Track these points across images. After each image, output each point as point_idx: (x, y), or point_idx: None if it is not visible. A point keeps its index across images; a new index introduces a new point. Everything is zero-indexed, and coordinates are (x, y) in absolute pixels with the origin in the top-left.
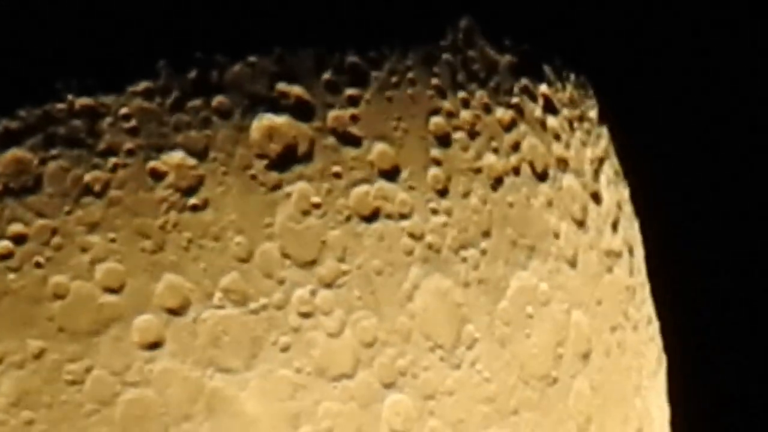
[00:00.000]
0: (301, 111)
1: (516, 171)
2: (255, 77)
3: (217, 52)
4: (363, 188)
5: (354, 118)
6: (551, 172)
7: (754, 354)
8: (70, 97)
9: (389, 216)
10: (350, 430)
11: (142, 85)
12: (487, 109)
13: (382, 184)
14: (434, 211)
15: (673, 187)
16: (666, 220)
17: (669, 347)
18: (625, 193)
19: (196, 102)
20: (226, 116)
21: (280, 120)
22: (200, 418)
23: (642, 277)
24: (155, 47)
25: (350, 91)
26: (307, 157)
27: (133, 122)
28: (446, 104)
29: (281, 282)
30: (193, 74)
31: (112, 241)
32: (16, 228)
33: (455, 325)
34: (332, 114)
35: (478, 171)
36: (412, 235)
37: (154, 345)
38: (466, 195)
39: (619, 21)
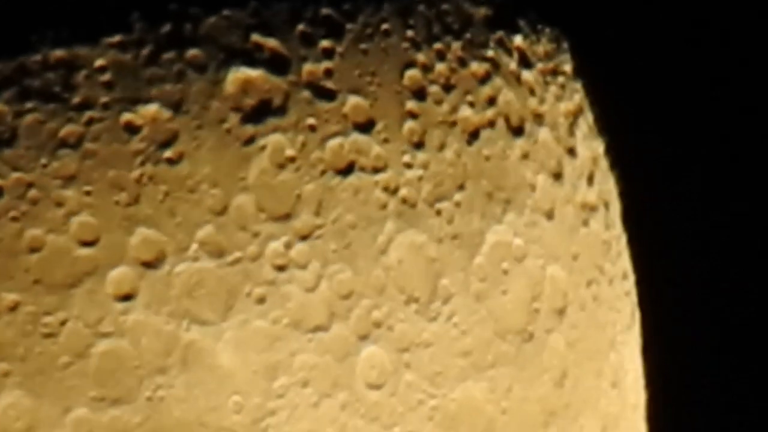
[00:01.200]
0: (276, 64)
1: (492, 124)
2: (230, 30)
3: (191, 4)
4: (337, 141)
5: (328, 72)
6: (527, 126)
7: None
8: (44, 49)
9: (364, 169)
10: (326, 382)
11: (117, 38)
12: (462, 62)
13: (356, 137)
14: (409, 165)
15: (649, 143)
16: (641, 177)
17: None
18: (600, 147)
19: (171, 55)
20: (201, 69)
21: (254, 73)
22: (175, 371)
23: (617, 231)
24: None
25: (325, 44)
26: (282, 111)
27: (108, 75)
28: (421, 57)
29: (256, 235)
30: (167, 27)
31: (87, 194)
32: None
33: (430, 279)
34: (307, 67)
35: (454, 124)
36: (386, 189)
37: (129, 297)
38: (441, 148)
39: None
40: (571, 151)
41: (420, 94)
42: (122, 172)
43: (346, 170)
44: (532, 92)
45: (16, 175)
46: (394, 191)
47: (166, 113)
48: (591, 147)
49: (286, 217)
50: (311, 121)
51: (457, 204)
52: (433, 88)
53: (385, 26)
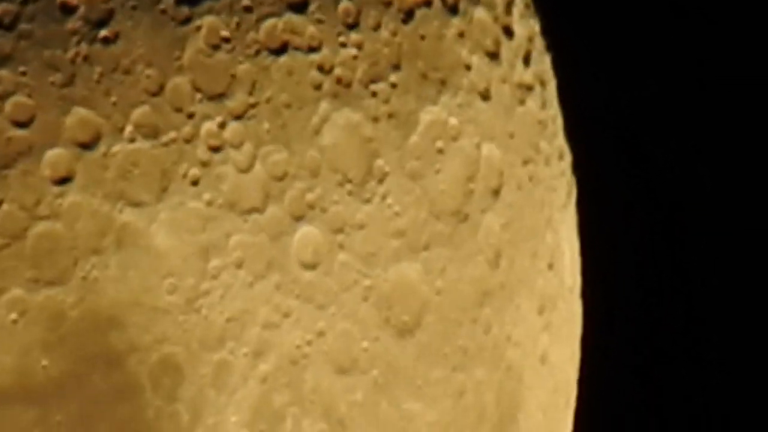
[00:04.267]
0: None
1: (427, 4)
2: None
3: None
4: (272, 21)
5: None
6: (462, 5)
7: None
8: None
9: (298, 49)
10: (260, 262)
11: None
12: None
13: (291, 17)
14: (344, 45)
15: (585, 22)
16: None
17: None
18: (536, 26)
19: None
20: None
21: None
22: (109, 251)
23: (554, 110)
24: None
25: None
26: None
27: None
28: None
29: (191, 116)
30: None
31: (22, 74)
32: None
33: (365, 159)
34: None
35: (389, 4)
36: (321, 69)
37: (65, 179)
38: (376, 28)
39: None
40: (508, 31)
41: None
42: (57, 52)
43: (281, 50)
44: None
45: None
46: (329, 71)
47: None
48: (527, 26)
49: (221, 96)
50: (246, 2)
51: (393, 84)
52: None
53: None
